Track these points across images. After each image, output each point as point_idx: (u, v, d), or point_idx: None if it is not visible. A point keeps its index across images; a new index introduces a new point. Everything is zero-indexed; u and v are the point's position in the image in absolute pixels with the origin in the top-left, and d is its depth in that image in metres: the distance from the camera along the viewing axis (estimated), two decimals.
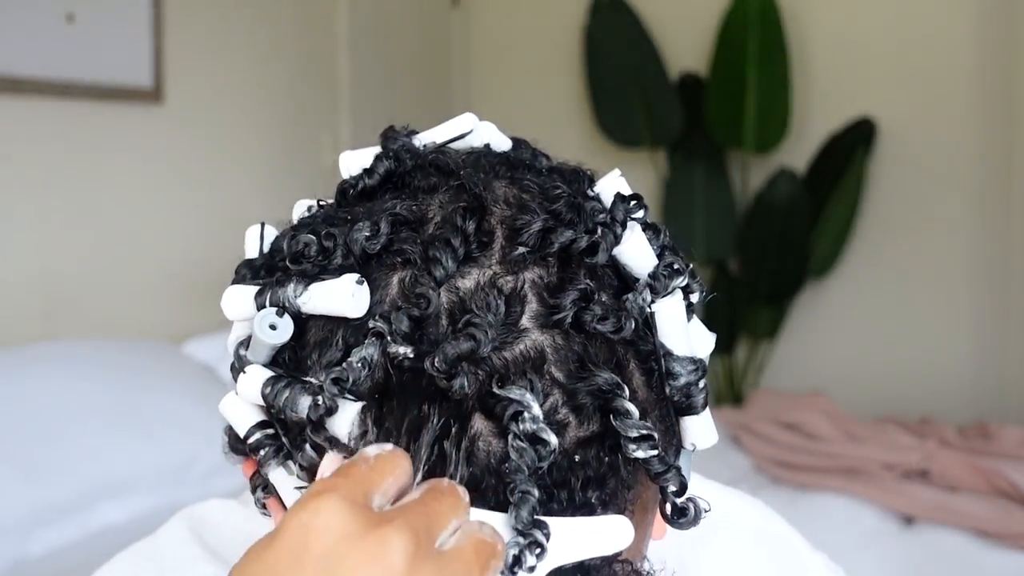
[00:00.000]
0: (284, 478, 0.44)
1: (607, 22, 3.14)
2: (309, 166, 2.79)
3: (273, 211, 0.52)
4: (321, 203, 0.50)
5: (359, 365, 0.41)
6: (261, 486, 0.47)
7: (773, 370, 3.16)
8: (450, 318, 0.42)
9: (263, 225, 0.49)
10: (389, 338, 0.41)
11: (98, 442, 1.79)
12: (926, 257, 2.94)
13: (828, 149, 2.97)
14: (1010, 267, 2.83)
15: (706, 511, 0.47)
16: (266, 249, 0.48)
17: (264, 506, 0.48)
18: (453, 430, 0.40)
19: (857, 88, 3.00)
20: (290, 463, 0.44)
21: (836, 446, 2.20)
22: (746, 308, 3.02)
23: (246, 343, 0.46)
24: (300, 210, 0.50)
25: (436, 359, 0.40)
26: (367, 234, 0.44)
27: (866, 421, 2.45)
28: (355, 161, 0.49)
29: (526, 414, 0.40)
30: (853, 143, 2.91)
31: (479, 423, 0.41)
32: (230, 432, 0.48)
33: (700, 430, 0.46)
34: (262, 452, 0.44)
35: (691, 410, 0.46)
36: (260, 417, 0.45)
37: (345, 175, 0.50)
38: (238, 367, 0.45)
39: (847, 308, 3.07)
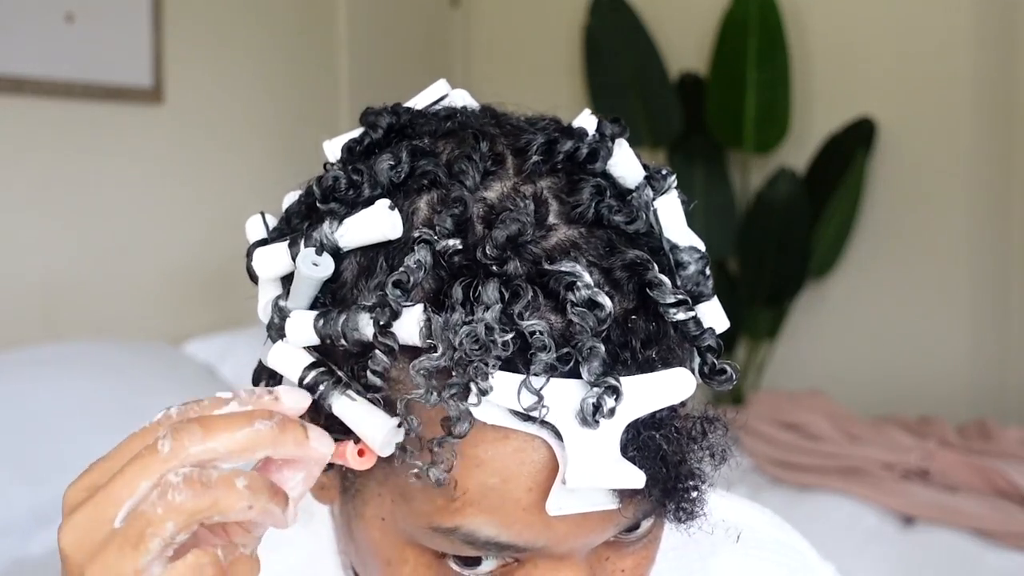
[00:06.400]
0: (349, 404, 0.45)
1: (607, 22, 3.14)
2: (309, 166, 2.78)
3: (273, 211, 0.53)
4: (327, 165, 0.51)
5: (415, 266, 0.43)
6: None
7: (773, 370, 3.16)
8: (485, 222, 0.45)
9: (263, 214, 0.51)
10: (436, 238, 0.43)
11: (98, 442, 1.77)
12: (926, 257, 2.94)
13: (828, 149, 2.97)
14: (1010, 267, 2.83)
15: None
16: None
17: None
18: (514, 309, 0.42)
19: (857, 88, 3.00)
20: (350, 392, 0.45)
21: (836, 446, 2.20)
22: (746, 308, 3.02)
23: (284, 295, 0.47)
24: (291, 201, 0.51)
25: (487, 246, 0.43)
26: (391, 162, 0.46)
27: (866, 421, 2.45)
28: (339, 145, 0.51)
29: (579, 282, 0.42)
30: (853, 143, 2.91)
31: (536, 301, 0.43)
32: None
33: (713, 315, 0.49)
34: (321, 388, 0.45)
35: (702, 297, 0.49)
36: (311, 359, 0.46)
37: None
38: (279, 320, 0.47)
39: (847, 308, 3.06)
